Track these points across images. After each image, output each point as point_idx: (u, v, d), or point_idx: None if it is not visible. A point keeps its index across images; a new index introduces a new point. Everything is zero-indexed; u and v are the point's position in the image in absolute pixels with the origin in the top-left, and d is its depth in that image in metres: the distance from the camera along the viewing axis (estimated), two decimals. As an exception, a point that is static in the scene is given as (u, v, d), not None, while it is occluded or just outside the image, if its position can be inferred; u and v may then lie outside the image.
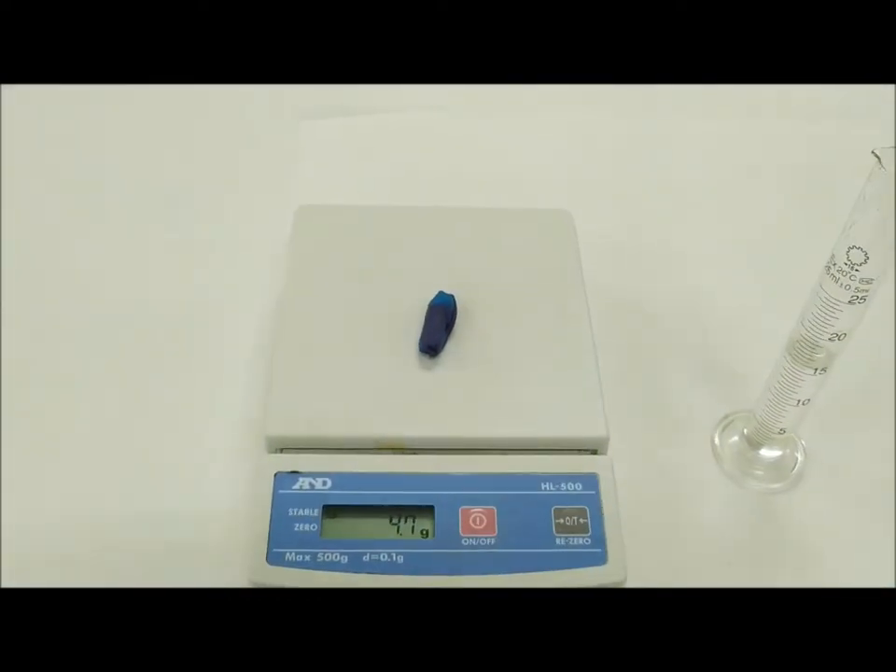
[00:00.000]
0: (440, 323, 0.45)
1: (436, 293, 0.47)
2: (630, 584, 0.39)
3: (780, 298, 0.49)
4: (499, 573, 0.40)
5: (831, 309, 0.41)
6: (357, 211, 0.53)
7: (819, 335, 0.42)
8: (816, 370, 0.44)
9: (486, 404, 0.44)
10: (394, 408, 0.43)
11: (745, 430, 0.51)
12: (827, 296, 0.41)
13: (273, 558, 0.40)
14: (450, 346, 0.46)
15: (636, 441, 0.50)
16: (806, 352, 0.43)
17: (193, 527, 0.46)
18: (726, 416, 0.53)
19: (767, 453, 0.50)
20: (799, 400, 0.46)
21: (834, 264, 0.39)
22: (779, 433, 0.49)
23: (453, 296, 0.47)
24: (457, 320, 0.47)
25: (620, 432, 0.44)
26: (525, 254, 0.51)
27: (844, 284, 0.39)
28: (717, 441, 0.52)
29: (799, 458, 0.51)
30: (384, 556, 0.40)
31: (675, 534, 0.48)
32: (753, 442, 0.50)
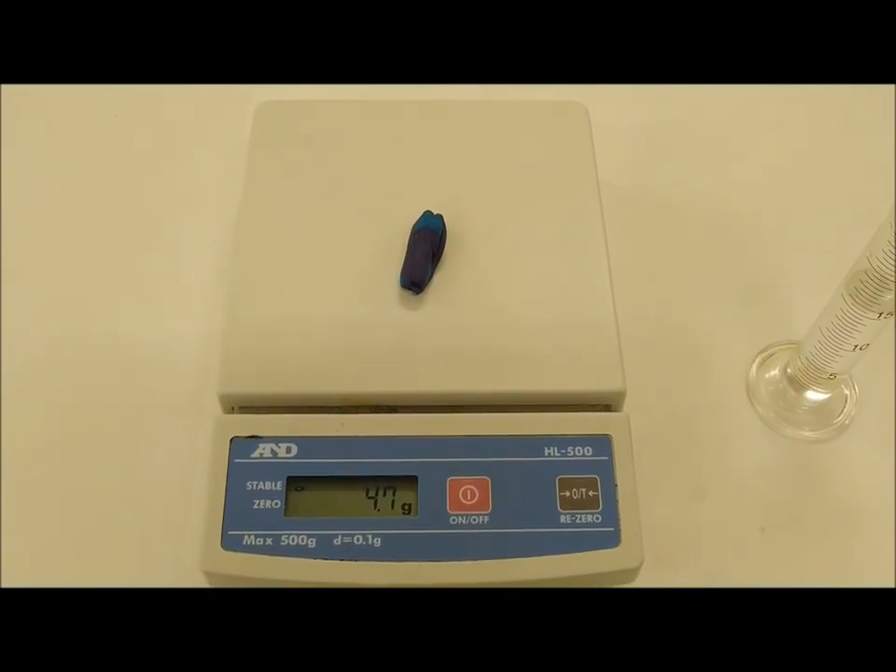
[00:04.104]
0: (425, 252, 0.40)
1: (420, 214, 0.42)
2: (647, 568, 0.36)
3: (839, 209, 0.41)
4: (493, 558, 0.35)
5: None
6: (327, 107, 0.47)
7: (889, 272, 0.36)
8: (881, 314, 0.37)
9: (479, 352, 0.39)
10: (370, 358, 0.39)
11: (788, 369, 0.45)
12: (905, 230, 0.33)
13: (229, 542, 0.36)
14: (437, 280, 0.41)
15: (655, 378, 0.45)
16: (871, 291, 0.37)
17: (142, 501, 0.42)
18: (766, 349, 0.47)
19: (812, 395, 0.45)
20: (856, 346, 0.39)
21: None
22: (829, 378, 0.42)
23: (441, 217, 0.42)
24: (446, 247, 0.41)
25: (637, 367, 0.39)
26: (529, 159, 0.45)
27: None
28: (753, 375, 0.46)
29: (849, 403, 0.45)
30: (358, 539, 0.36)
31: (698, 494, 0.43)
32: (796, 383, 0.44)
